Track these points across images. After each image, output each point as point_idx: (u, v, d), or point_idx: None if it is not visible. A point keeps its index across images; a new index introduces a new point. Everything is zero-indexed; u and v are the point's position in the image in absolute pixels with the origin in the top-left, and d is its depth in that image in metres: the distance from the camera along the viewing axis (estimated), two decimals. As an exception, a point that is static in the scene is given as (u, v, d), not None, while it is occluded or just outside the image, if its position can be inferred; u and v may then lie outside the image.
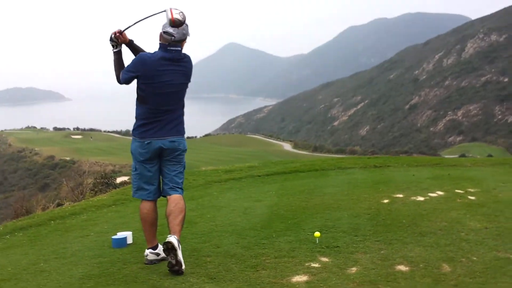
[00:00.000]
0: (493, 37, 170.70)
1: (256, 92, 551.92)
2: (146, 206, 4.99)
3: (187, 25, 4.81)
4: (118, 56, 4.99)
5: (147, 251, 5.00)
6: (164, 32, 4.77)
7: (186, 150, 5.03)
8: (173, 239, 4.53)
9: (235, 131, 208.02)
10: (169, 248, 4.48)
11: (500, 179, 8.89)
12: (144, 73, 4.74)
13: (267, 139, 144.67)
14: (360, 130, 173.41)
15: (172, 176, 4.96)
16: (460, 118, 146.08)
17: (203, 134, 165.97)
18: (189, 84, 5.08)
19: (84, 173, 21.40)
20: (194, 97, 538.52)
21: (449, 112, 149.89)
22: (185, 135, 5.03)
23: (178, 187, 4.95)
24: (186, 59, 4.92)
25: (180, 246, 4.57)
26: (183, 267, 4.53)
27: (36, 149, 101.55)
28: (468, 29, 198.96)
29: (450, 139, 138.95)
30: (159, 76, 4.74)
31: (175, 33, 4.73)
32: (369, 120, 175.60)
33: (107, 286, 4.32)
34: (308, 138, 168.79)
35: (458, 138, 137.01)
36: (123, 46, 5.03)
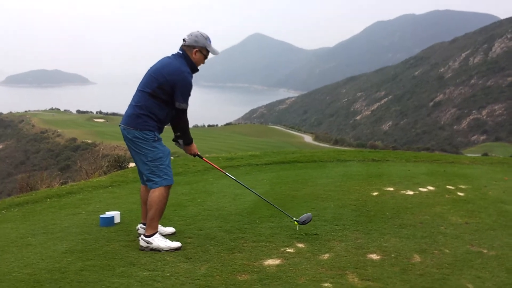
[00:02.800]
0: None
1: (280, 83, 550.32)
2: (141, 187, 5.38)
3: (201, 37, 5.12)
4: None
5: (138, 226, 5.39)
6: None
7: (138, 138, 4.98)
8: (140, 242, 4.94)
9: (257, 121, 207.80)
10: (141, 249, 4.91)
11: (494, 177, 8.93)
12: None
13: (288, 131, 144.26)
14: (383, 125, 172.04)
15: (139, 167, 5.17)
16: (484, 117, 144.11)
17: (225, 123, 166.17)
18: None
19: (99, 156, 21.61)
20: (217, 86, 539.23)
21: (474, 111, 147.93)
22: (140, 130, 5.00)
23: (148, 180, 5.07)
24: (166, 63, 5.09)
25: (151, 239, 4.89)
26: (174, 246, 4.90)
27: (58, 130, 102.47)
28: (496, 28, 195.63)
29: (474, 138, 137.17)
30: None
31: (186, 37, 5.14)
32: (392, 116, 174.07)
33: (87, 261, 4.51)
34: (329, 131, 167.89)
35: (482, 137, 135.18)
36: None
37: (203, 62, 5.23)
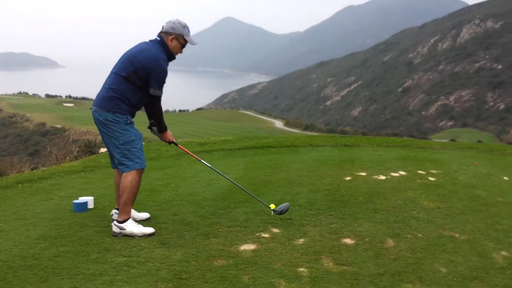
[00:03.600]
0: (489, 23, 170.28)
1: (251, 68, 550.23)
2: (115, 172, 5.33)
3: (178, 24, 5.08)
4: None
5: (112, 211, 5.38)
6: None
7: (109, 121, 4.92)
8: (113, 228, 4.91)
9: (228, 106, 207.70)
10: (114, 235, 4.87)
11: (464, 162, 9.09)
12: None
13: (259, 116, 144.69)
14: (352, 110, 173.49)
15: (111, 151, 5.11)
16: (452, 103, 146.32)
17: (195, 108, 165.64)
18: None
19: (69, 141, 21.34)
20: (188, 70, 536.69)
21: (442, 97, 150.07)
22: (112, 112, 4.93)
23: (120, 163, 5.03)
24: (143, 48, 5.02)
25: (124, 225, 4.86)
26: (147, 231, 4.87)
27: (27, 115, 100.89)
28: (464, 14, 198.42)
29: (441, 123, 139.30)
30: None
31: (164, 24, 5.11)
32: (362, 101, 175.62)
33: (61, 247, 4.46)
34: (300, 116, 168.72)
35: (449, 123, 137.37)
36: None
37: (180, 51, 5.17)
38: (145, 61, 4.87)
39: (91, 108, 5.01)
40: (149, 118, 5.29)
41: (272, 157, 9.48)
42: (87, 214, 5.58)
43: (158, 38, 5.07)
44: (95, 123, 5.02)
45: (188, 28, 5.12)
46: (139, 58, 4.89)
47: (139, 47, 5.02)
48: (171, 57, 5.09)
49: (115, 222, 4.90)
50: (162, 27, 5.08)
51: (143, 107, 5.19)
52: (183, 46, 5.14)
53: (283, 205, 5.50)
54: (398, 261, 4.25)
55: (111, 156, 5.19)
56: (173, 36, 5.04)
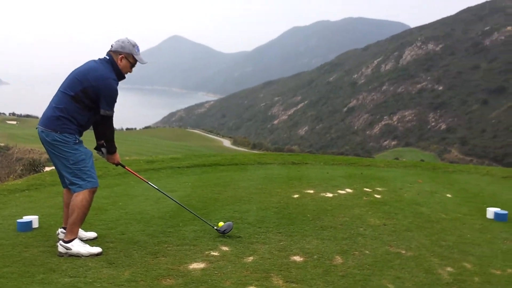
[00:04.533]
0: (430, 46, 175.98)
1: (198, 86, 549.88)
2: (64, 190, 5.24)
3: (127, 43, 5.04)
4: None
5: (59, 230, 5.23)
6: None
7: (57, 141, 4.82)
8: (59, 248, 4.78)
9: (176, 125, 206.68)
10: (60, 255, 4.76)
11: (408, 180, 9.30)
12: None
13: (207, 135, 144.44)
14: (299, 130, 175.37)
15: (60, 171, 5.00)
16: (395, 123, 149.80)
17: (143, 126, 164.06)
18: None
19: (12, 159, 20.80)
20: (135, 88, 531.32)
21: (385, 117, 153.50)
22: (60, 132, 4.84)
23: (71, 183, 4.92)
24: (92, 67, 4.94)
25: (70, 245, 4.75)
26: (94, 251, 4.77)
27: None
28: (406, 36, 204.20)
29: (385, 143, 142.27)
30: None
31: (114, 43, 5.07)
32: (308, 121, 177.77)
33: (4, 268, 4.32)
34: (248, 135, 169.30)
35: (393, 142, 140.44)
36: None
37: (130, 70, 5.13)
38: (94, 80, 4.79)
39: (37, 128, 4.89)
40: (98, 139, 5.21)
41: (220, 175, 9.47)
42: (32, 233, 5.43)
43: (107, 57, 5.00)
44: (42, 143, 4.92)
45: (138, 47, 5.09)
46: (87, 77, 4.81)
47: (87, 66, 4.94)
48: (120, 76, 5.03)
49: (61, 241, 4.78)
50: (111, 46, 5.03)
51: (91, 126, 5.12)
52: (132, 65, 5.10)
53: (226, 224, 5.49)
54: (347, 278, 4.30)
55: (61, 175, 5.07)
56: (122, 56, 4.99)
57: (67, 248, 4.71)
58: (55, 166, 5.04)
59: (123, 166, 5.51)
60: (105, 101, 4.85)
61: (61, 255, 4.71)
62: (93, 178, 4.91)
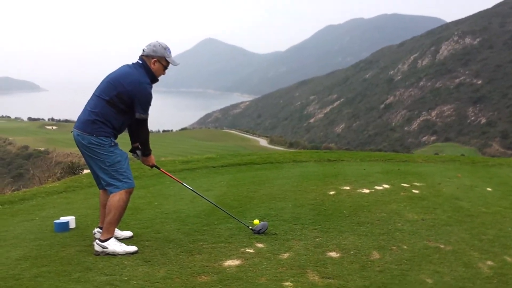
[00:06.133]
0: (467, 40, 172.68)
1: (233, 88, 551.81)
2: (100, 191, 5.28)
3: (159, 47, 5.03)
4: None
5: (95, 230, 5.27)
6: None
7: (94, 144, 4.87)
8: (95, 247, 4.83)
9: (212, 126, 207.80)
10: (96, 254, 4.78)
11: (447, 174, 9.13)
12: None
13: (243, 134, 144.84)
14: (336, 127, 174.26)
15: (97, 173, 5.04)
16: (434, 118, 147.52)
17: (179, 128, 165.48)
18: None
19: (52, 163, 21.14)
20: (171, 91, 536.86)
21: (423, 112, 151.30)
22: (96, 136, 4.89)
23: (108, 185, 4.96)
24: (126, 72, 4.97)
25: (107, 244, 4.78)
26: (130, 250, 4.79)
27: (10, 138, 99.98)
28: (442, 31, 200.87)
29: (424, 138, 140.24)
30: None
31: (145, 47, 5.08)
32: (345, 118, 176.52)
33: (42, 267, 4.38)
34: (284, 134, 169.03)
35: (432, 138, 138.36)
36: None
37: (163, 73, 5.14)
38: (129, 85, 4.83)
39: (72, 131, 4.95)
40: (133, 142, 5.25)
41: (255, 174, 9.45)
42: (69, 234, 5.50)
43: (140, 62, 5.02)
44: (78, 146, 4.97)
45: (169, 49, 5.09)
46: (122, 82, 4.85)
47: (121, 71, 4.97)
48: (154, 79, 5.06)
49: (97, 241, 4.82)
50: (143, 50, 5.05)
51: (126, 129, 5.16)
52: (165, 67, 5.11)
53: (261, 224, 5.45)
54: (384, 273, 4.23)
55: (96, 177, 5.12)
56: (155, 59, 5.01)
57: (103, 247, 4.75)
58: (90, 168, 5.10)
59: (158, 168, 5.53)
60: (140, 105, 4.88)
61: (97, 254, 4.75)
62: (129, 179, 4.94)
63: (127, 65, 5.07)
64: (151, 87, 4.99)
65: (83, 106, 5.01)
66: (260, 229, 5.38)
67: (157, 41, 5.08)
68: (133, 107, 4.89)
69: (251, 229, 5.45)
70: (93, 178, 5.27)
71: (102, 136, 4.84)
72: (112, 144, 4.91)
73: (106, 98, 4.84)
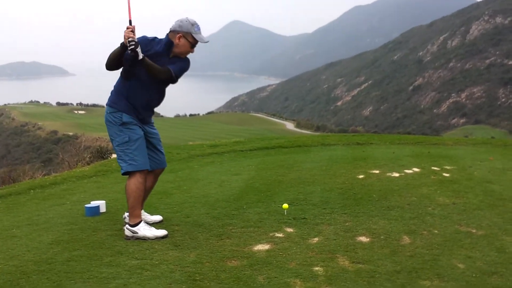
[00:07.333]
0: (498, 19, 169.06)
1: (260, 70, 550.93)
2: None
3: (186, 22, 4.87)
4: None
5: (125, 214, 5.26)
6: None
7: (107, 121, 4.89)
8: (125, 232, 4.86)
9: (238, 110, 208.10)
10: (127, 239, 4.81)
11: (479, 157, 8.98)
12: None
13: (270, 118, 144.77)
14: (363, 110, 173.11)
15: None
16: (463, 100, 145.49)
17: (206, 112, 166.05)
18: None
19: (81, 148, 21.45)
20: (197, 74, 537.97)
21: (453, 94, 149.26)
22: (109, 106, 4.91)
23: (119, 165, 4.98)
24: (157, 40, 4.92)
25: (137, 228, 4.81)
26: (159, 234, 4.80)
27: (39, 123, 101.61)
28: (473, 11, 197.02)
29: (454, 121, 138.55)
30: None
31: (173, 23, 4.94)
32: (373, 101, 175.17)
33: (74, 251, 4.43)
34: (311, 117, 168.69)
35: (462, 120, 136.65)
36: None
37: (191, 50, 4.96)
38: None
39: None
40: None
41: (284, 157, 9.43)
42: (100, 218, 5.56)
43: (165, 38, 4.92)
44: None
45: (198, 26, 4.89)
46: None
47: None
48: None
49: (127, 226, 4.85)
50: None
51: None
52: (192, 45, 4.92)
53: None
54: (415, 258, 4.18)
55: None
56: (180, 35, 4.84)
57: (133, 232, 4.78)
58: None
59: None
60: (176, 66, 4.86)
61: (128, 238, 4.79)
62: (136, 161, 4.80)
63: (149, 38, 4.94)
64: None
65: (108, 90, 5.02)
66: None
67: (185, 17, 4.90)
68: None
69: None
70: None
71: (114, 108, 4.83)
72: (121, 122, 4.81)
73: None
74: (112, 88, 4.92)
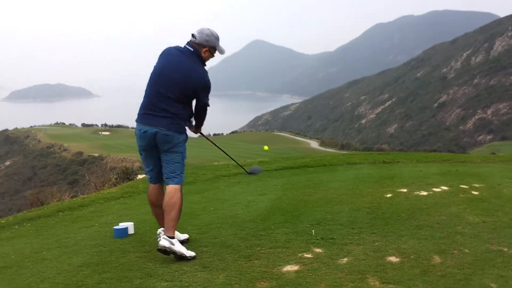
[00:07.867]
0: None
1: (283, 89, 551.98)
2: (149, 188, 5.34)
3: (212, 36, 5.02)
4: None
5: (160, 230, 5.25)
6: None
7: (181, 142, 5.08)
8: (162, 242, 4.77)
9: (262, 129, 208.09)
10: (162, 252, 4.78)
11: (508, 175, 8.85)
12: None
13: (294, 137, 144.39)
14: (388, 128, 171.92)
15: (164, 167, 5.09)
16: (489, 116, 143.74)
17: (230, 131, 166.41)
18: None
19: (106, 169, 21.59)
20: (220, 94, 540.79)
21: (479, 111, 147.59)
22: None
23: (175, 176, 5.06)
24: (191, 68, 4.98)
25: (174, 241, 4.79)
26: (188, 255, 4.79)
27: (64, 145, 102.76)
28: (496, 27, 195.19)
29: (480, 137, 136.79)
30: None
31: (196, 34, 5.04)
32: (397, 118, 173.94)
33: (103, 273, 4.47)
34: (335, 136, 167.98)
35: (488, 137, 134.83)
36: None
37: (208, 59, 5.19)
38: (195, 83, 4.96)
39: (145, 131, 4.95)
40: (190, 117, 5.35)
41: (309, 177, 9.40)
42: (128, 240, 5.59)
43: (192, 49, 4.99)
44: (147, 141, 5.00)
45: (219, 37, 5.12)
46: (188, 82, 4.93)
47: (184, 69, 4.95)
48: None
49: (165, 235, 4.81)
50: (194, 37, 5.00)
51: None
52: (212, 55, 5.13)
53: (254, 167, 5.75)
54: (446, 278, 4.12)
55: (154, 171, 5.19)
56: (206, 49, 5.02)
57: (171, 243, 4.73)
58: (153, 163, 5.23)
59: (203, 135, 5.81)
60: (205, 95, 5.07)
61: (164, 248, 4.72)
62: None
63: (179, 50, 5.02)
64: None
65: (134, 110, 5.13)
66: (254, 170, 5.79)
67: (209, 30, 5.04)
68: (193, 97, 5.04)
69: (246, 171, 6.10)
70: (149, 172, 5.25)
71: (184, 132, 5.09)
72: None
73: (173, 96, 4.90)
74: (167, 114, 4.94)
